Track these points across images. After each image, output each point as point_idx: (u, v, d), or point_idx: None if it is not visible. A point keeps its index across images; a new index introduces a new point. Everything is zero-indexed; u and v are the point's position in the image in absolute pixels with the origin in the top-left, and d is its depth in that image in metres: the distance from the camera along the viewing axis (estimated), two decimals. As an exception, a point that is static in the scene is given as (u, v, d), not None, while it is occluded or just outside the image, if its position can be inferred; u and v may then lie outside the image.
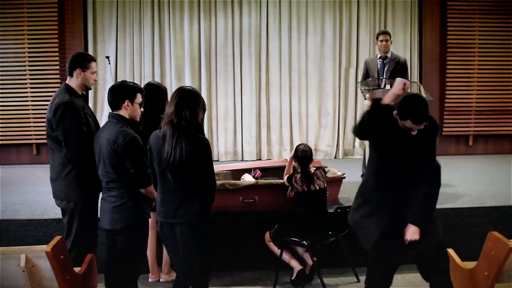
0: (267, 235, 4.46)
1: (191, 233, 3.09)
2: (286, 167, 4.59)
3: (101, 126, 3.67)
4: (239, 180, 5.08)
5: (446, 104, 8.56)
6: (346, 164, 7.56)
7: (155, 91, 4.14)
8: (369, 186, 3.29)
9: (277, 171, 5.30)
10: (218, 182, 4.67)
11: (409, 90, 5.77)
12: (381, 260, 3.21)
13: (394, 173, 3.11)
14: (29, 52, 8.11)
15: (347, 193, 5.26)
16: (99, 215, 3.59)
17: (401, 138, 3.04)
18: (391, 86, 5.73)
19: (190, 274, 3.23)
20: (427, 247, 3.13)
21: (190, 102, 3.08)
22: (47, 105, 3.74)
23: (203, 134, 3.16)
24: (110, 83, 7.75)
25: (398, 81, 3.28)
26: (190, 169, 3.04)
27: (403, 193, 3.11)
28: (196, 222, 3.10)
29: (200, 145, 3.05)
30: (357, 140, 8.72)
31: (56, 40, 8.13)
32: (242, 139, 8.65)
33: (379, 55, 6.09)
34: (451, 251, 3.43)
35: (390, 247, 3.14)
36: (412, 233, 3.07)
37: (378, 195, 3.17)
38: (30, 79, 8.13)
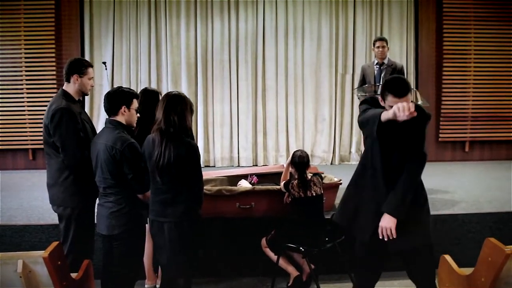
0: (263, 241, 4.46)
1: (178, 232, 3.21)
2: (283, 173, 4.59)
3: (97, 131, 3.68)
4: (236, 186, 5.07)
5: (442, 110, 8.59)
6: (343, 170, 7.55)
7: (150, 97, 4.14)
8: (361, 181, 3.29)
9: (273, 177, 5.31)
10: (214, 188, 4.71)
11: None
12: (366, 259, 3.26)
13: (382, 166, 3.10)
14: (25, 57, 8.10)
15: (344, 199, 5.25)
16: (95, 221, 3.59)
17: (389, 128, 2.92)
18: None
19: (174, 272, 3.33)
20: (405, 245, 3.11)
21: (178, 107, 3.21)
22: (43, 110, 3.74)
23: (192, 137, 3.30)
24: (106, 88, 7.75)
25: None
26: (177, 172, 3.16)
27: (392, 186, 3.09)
28: (183, 222, 3.22)
29: (187, 149, 3.18)
30: (353, 146, 8.75)
31: (53, 46, 8.12)
32: (239, 145, 8.65)
33: (376, 61, 6.11)
34: (448, 257, 3.43)
35: (373, 245, 3.15)
36: (385, 221, 3.03)
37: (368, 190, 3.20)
38: (27, 84, 8.11)
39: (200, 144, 8.51)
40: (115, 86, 7.26)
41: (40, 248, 4.20)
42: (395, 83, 2.93)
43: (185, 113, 3.22)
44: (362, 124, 3.11)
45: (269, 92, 8.68)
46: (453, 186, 6.29)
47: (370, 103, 3.18)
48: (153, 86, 8.24)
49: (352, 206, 3.30)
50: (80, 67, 3.71)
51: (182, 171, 3.17)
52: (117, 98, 3.40)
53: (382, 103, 3.02)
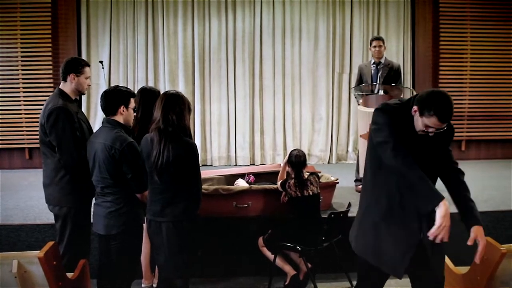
0: (260, 240, 4.45)
1: (176, 232, 3.19)
2: (280, 173, 4.59)
3: (94, 131, 3.67)
4: (233, 185, 5.07)
5: (438, 110, 8.59)
6: (340, 169, 7.57)
7: (149, 96, 4.12)
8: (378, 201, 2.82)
9: (270, 176, 5.30)
10: (211, 187, 4.71)
11: (402, 96, 5.84)
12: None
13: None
14: (22, 56, 8.07)
15: (341, 198, 5.26)
16: (92, 220, 3.58)
17: (416, 140, 2.68)
18: (384, 92, 5.80)
19: (171, 272, 3.30)
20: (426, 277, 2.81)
21: (176, 106, 3.18)
22: (39, 109, 3.73)
23: (191, 136, 3.27)
24: (103, 88, 7.74)
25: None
26: (176, 172, 3.14)
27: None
28: (181, 222, 3.19)
29: (186, 149, 3.16)
30: (351, 145, 8.75)
31: (50, 45, 8.10)
32: (236, 144, 8.64)
33: (372, 61, 6.11)
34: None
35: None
36: (482, 233, 2.67)
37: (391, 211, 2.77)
38: (23, 83, 8.09)
39: (197, 143, 8.48)
40: (112, 85, 7.25)
41: (36, 247, 4.18)
42: (446, 107, 2.54)
43: (183, 112, 3.20)
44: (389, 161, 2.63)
45: (266, 91, 8.67)
46: (450, 185, 6.28)
47: (391, 112, 2.69)
48: (150, 85, 8.21)
49: (374, 236, 2.82)
50: (77, 66, 3.69)
51: (181, 170, 3.14)
52: (115, 98, 3.38)
53: (415, 114, 2.62)
